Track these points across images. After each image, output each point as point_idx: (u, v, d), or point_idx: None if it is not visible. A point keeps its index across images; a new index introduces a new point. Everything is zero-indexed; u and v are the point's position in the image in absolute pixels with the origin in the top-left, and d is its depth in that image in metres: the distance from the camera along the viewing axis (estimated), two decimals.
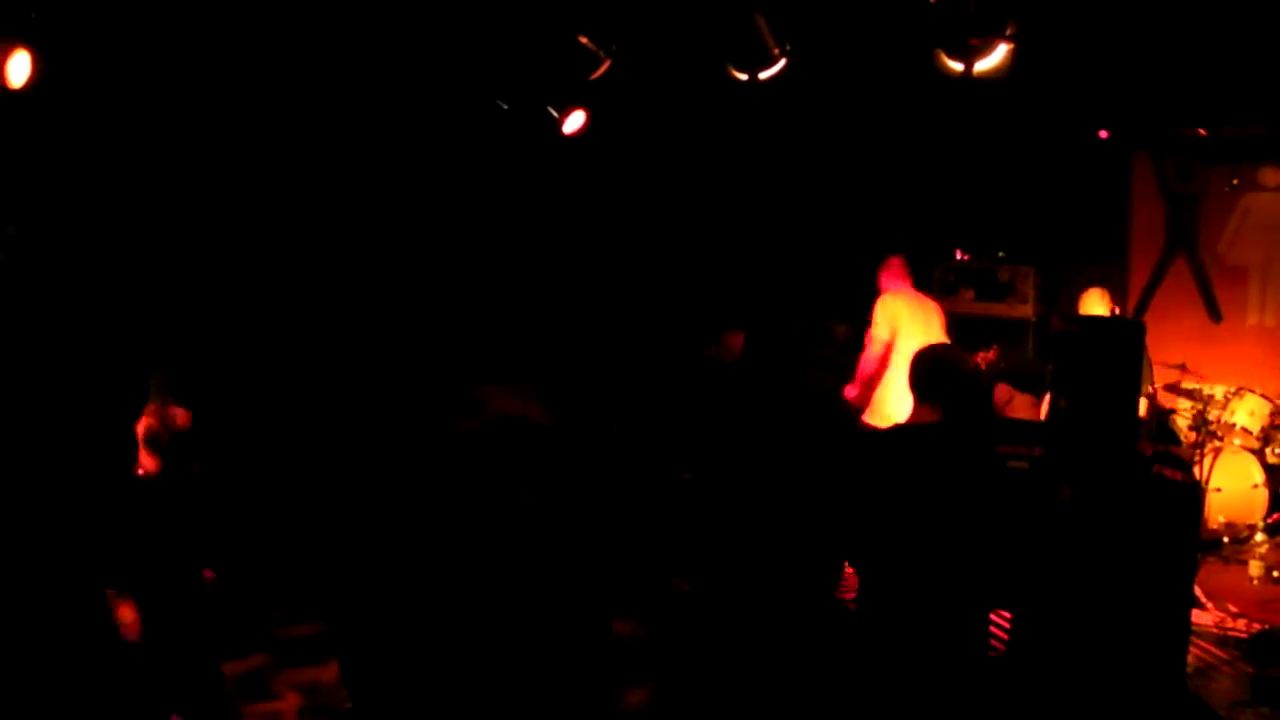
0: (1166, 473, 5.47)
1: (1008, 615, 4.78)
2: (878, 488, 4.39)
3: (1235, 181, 9.11)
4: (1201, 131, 8.70)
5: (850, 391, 7.50)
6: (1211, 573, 7.27)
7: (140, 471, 4.89)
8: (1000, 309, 8.92)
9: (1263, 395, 8.22)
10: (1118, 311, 8.17)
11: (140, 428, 4.88)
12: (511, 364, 8.50)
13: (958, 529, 4.22)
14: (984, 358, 6.78)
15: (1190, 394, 8.25)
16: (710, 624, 5.82)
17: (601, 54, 7.51)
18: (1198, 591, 6.52)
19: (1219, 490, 7.84)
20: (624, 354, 9.00)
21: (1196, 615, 6.20)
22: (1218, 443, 8.05)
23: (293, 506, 7.14)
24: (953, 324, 8.22)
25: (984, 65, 6.43)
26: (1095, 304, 7.92)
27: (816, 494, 5.78)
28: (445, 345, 8.54)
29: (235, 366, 7.54)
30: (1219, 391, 8.25)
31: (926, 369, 4.47)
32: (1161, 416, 8.36)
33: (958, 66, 6.46)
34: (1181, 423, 8.28)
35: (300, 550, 6.85)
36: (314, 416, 7.75)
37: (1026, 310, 8.98)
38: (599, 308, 9.52)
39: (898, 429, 4.68)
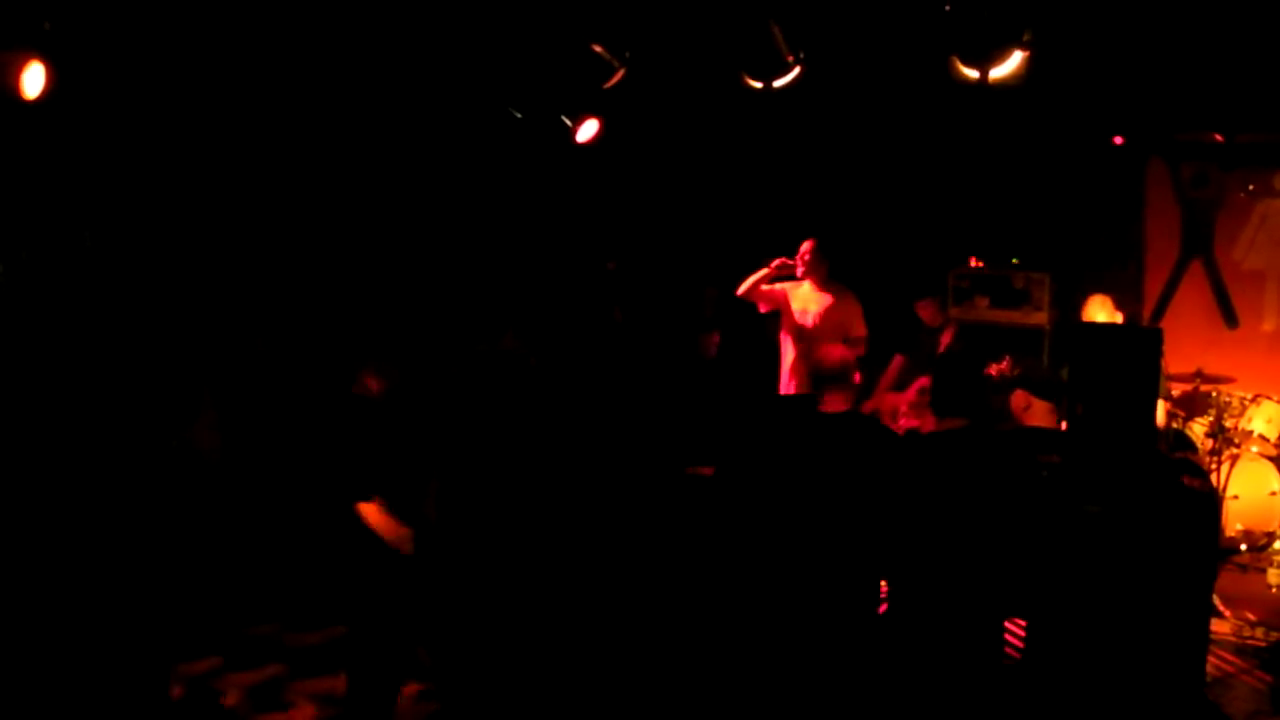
0: (1184, 480, 5.41)
1: (1022, 622, 4.75)
2: (912, 493, 4.40)
3: (1251, 187, 9.08)
4: (1217, 137, 8.66)
5: None
6: (1229, 581, 7.23)
7: None
8: (1015, 316, 8.87)
9: None
10: (1123, 317, 8.11)
11: None
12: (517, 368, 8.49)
13: (982, 534, 4.22)
14: (997, 369, 6.74)
15: (1207, 401, 8.21)
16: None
17: (615, 63, 7.52)
18: (1216, 600, 6.50)
19: (1236, 498, 7.80)
20: (632, 358, 8.99)
21: (1214, 624, 6.17)
22: (1235, 450, 8.00)
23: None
24: (967, 331, 8.19)
25: (999, 72, 6.43)
26: (1098, 310, 7.83)
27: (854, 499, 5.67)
28: (454, 349, 8.54)
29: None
30: (1236, 398, 8.21)
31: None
32: (1178, 424, 8.32)
33: (972, 73, 6.46)
34: (1198, 430, 8.23)
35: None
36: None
37: (1041, 317, 8.93)
38: (610, 314, 9.52)
39: (931, 435, 4.70)
